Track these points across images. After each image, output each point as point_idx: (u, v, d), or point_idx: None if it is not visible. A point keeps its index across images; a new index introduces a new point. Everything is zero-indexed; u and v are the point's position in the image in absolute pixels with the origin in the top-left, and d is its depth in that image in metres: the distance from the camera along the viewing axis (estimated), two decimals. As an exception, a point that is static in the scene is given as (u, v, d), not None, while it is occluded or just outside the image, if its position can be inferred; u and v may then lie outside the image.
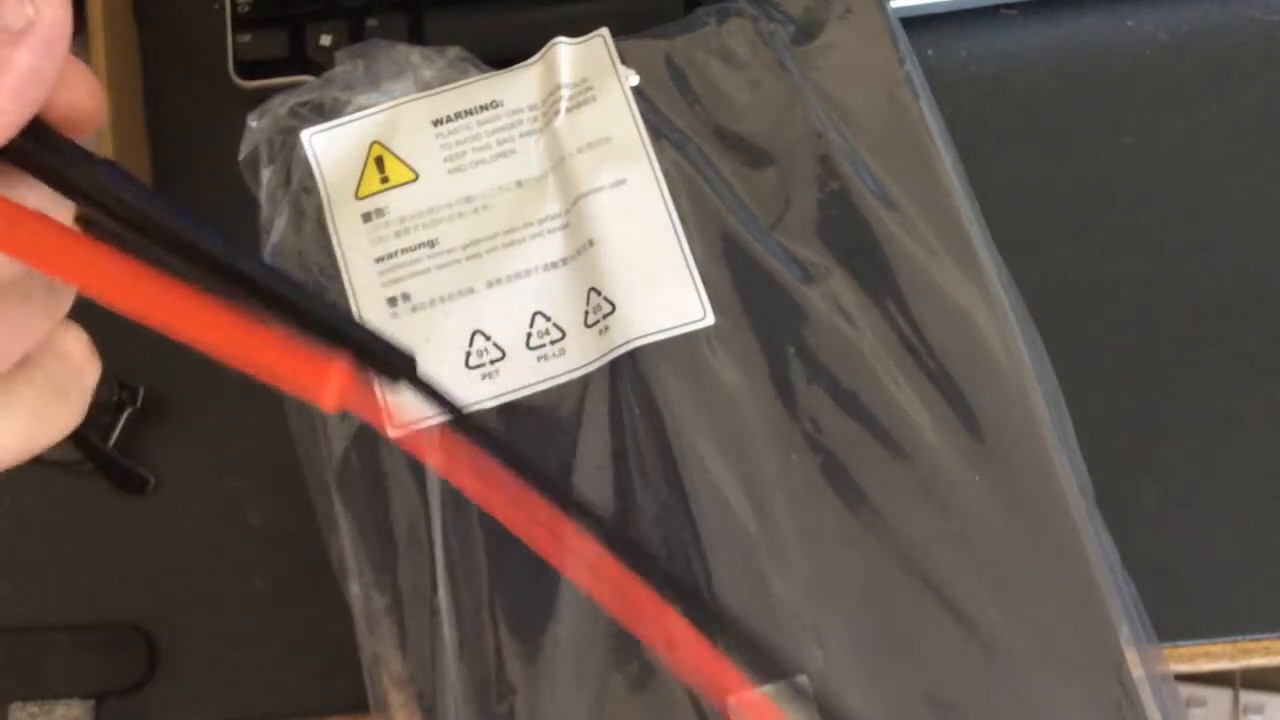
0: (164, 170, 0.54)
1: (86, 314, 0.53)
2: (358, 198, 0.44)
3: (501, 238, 0.44)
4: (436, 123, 0.45)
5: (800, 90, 0.45)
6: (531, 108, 0.45)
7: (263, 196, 0.45)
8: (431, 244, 0.44)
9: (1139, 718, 0.38)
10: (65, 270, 0.22)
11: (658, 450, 0.41)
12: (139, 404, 0.50)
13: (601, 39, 0.46)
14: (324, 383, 0.22)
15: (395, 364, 0.26)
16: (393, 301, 0.43)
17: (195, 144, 0.54)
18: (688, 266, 0.43)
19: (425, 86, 0.46)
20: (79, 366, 0.25)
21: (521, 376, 0.42)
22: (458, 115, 0.45)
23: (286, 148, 0.45)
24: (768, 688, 0.38)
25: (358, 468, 0.42)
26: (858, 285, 0.43)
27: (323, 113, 0.46)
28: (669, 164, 0.44)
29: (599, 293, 0.42)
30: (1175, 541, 0.46)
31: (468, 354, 0.42)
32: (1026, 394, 0.41)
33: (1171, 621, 0.44)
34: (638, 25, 0.47)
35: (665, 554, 0.40)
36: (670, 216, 0.43)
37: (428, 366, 0.42)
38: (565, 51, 0.45)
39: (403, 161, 0.45)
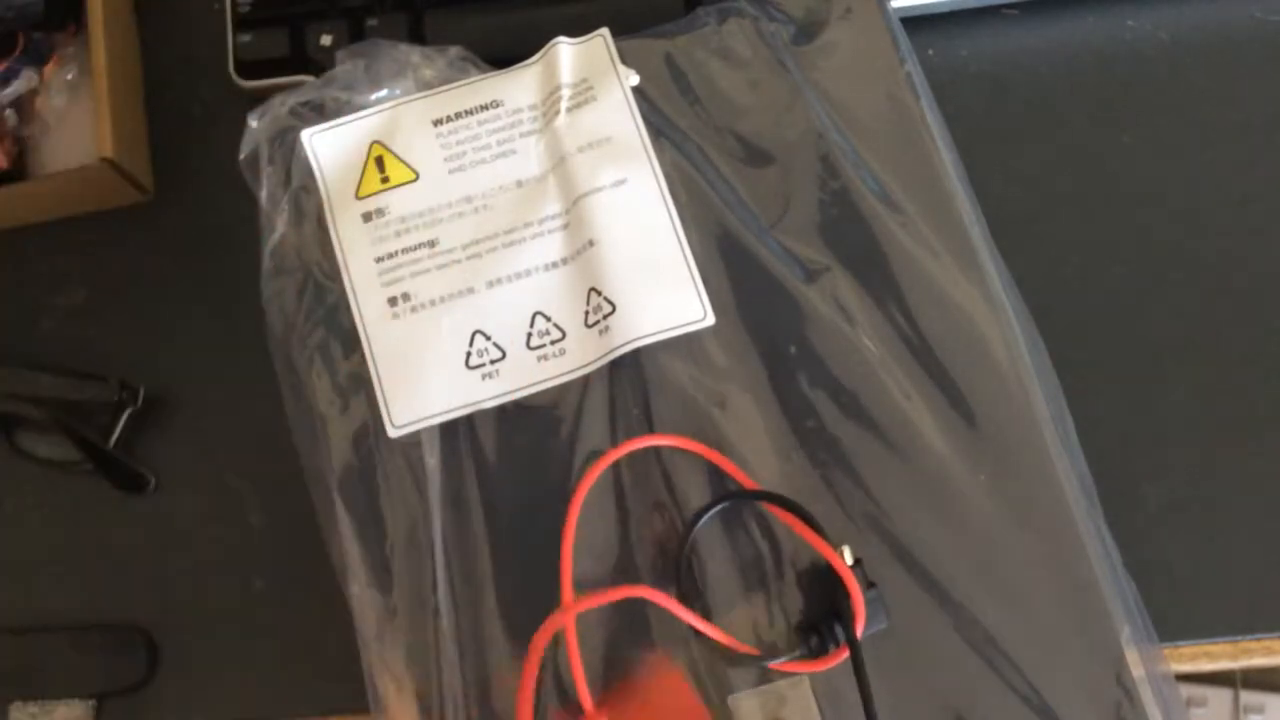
0: (164, 170, 0.54)
1: (88, 312, 0.53)
2: (358, 197, 0.44)
3: (502, 238, 0.44)
4: (437, 123, 0.45)
5: (801, 90, 0.45)
6: (532, 108, 0.45)
7: (263, 196, 0.45)
8: (432, 244, 0.44)
9: (1139, 717, 0.38)
10: None
11: (657, 450, 0.41)
12: (139, 404, 0.50)
13: (602, 39, 0.46)
14: None
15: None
16: (393, 301, 0.43)
17: (195, 144, 0.54)
18: (688, 266, 0.43)
19: (425, 86, 0.46)
20: None
21: (522, 376, 0.42)
22: (458, 115, 0.45)
23: (286, 148, 0.45)
24: (767, 687, 0.39)
25: (358, 468, 0.42)
26: (858, 285, 0.43)
27: (323, 113, 0.46)
28: (669, 164, 0.44)
29: (599, 293, 0.42)
30: (1176, 542, 0.46)
31: (468, 354, 0.42)
32: (1027, 394, 0.41)
33: (1172, 621, 0.44)
34: (638, 25, 0.47)
35: (661, 553, 0.40)
36: (670, 216, 0.43)
37: (428, 366, 0.42)
38: (565, 51, 0.45)
39: (403, 161, 0.45)
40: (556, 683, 0.39)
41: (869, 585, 0.39)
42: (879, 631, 0.39)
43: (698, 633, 0.38)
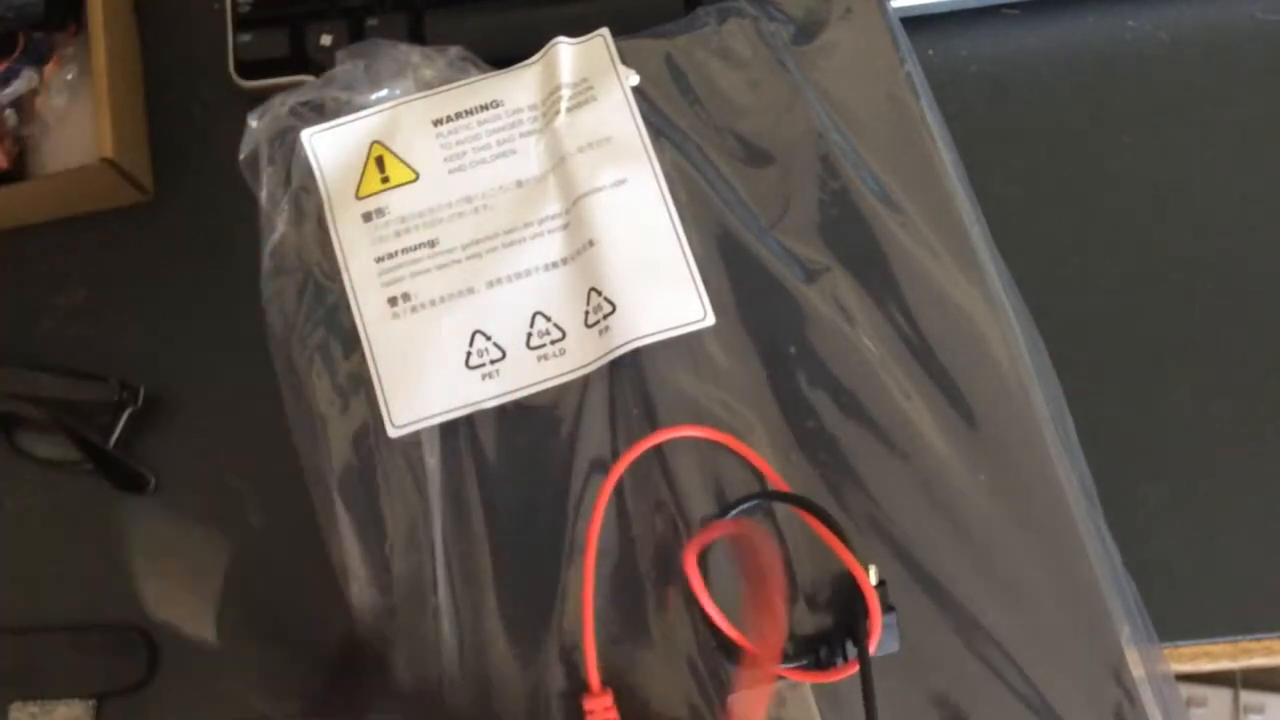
0: (164, 170, 0.54)
1: (88, 312, 0.53)
2: (358, 197, 0.44)
3: (502, 238, 0.44)
4: (437, 123, 0.45)
5: (801, 90, 0.45)
6: (532, 107, 0.45)
7: (263, 196, 0.45)
8: (432, 244, 0.44)
9: (1139, 717, 0.38)
10: None
11: (655, 451, 0.41)
12: (139, 404, 0.50)
13: (602, 39, 0.46)
14: None
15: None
16: (393, 301, 0.43)
17: (195, 144, 0.54)
18: (688, 266, 0.43)
19: (426, 86, 0.46)
20: None
21: (522, 376, 0.42)
22: (458, 115, 0.45)
23: (286, 148, 0.45)
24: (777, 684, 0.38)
25: (358, 468, 0.42)
26: (858, 285, 0.43)
27: (323, 113, 0.46)
28: (669, 164, 0.44)
29: (599, 293, 0.42)
30: (1176, 542, 0.46)
31: (468, 354, 0.42)
32: (1027, 394, 0.41)
33: (1172, 621, 0.44)
34: (638, 25, 0.47)
35: (659, 554, 0.40)
36: (670, 216, 0.43)
37: (428, 366, 0.42)
38: (565, 51, 0.45)
39: (403, 161, 0.45)
40: (565, 662, 0.39)
41: (888, 608, 0.38)
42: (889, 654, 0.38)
43: (708, 626, 0.38)
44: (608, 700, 0.38)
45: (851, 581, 0.38)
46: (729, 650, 0.38)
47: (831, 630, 0.38)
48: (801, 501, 0.40)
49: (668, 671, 0.39)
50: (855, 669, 0.37)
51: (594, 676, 0.38)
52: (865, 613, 0.37)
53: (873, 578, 0.38)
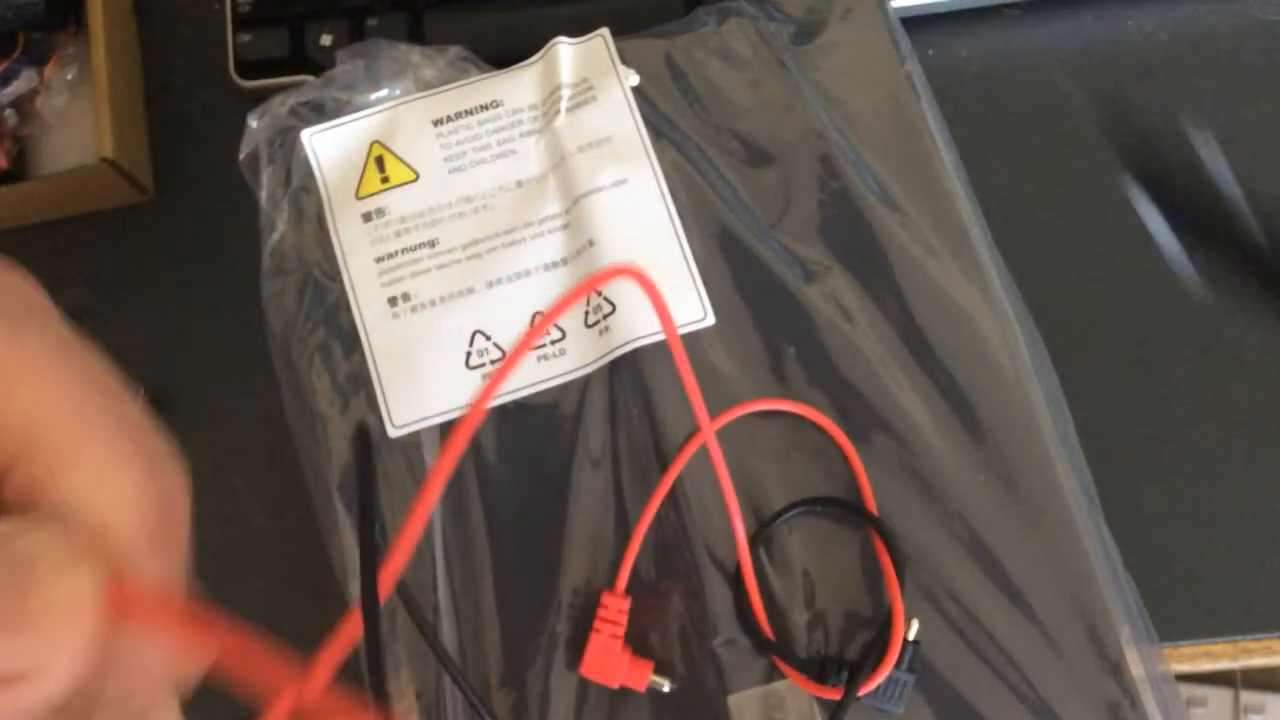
0: (164, 170, 0.54)
1: (88, 312, 0.53)
2: (358, 198, 0.44)
3: (502, 238, 0.44)
4: (437, 123, 0.45)
5: (801, 90, 0.45)
6: (532, 107, 0.45)
7: (263, 196, 0.45)
8: (432, 244, 0.44)
9: (1139, 718, 0.38)
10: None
11: (655, 451, 0.41)
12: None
13: (602, 39, 0.46)
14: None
15: None
16: (393, 301, 0.43)
17: (195, 144, 0.54)
18: (688, 266, 0.43)
19: (426, 86, 0.46)
20: None
21: (522, 376, 0.42)
22: (458, 115, 0.45)
23: (286, 148, 0.45)
24: (765, 688, 0.38)
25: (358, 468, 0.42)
26: (858, 285, 0.43)
27: (323, 112, 0.46)
28: (669, 164, 0.44)
29: (599, 293, 0.42)
30: (1176, 541, 0.46)
31: (468, 354, 0.42)
32: (1027, 394, 0.41)
33: (1172, 621, 0.44)
34: (638, 25, 0.47)
35: (659, 554, 0.40)
36: (671, 216, 0.43)
37: (428, 366, 0.42)
38: (566, 51, 0.45)
39: (403, 161, 0.45)
40: (565, 661, 0.39)
41: (909, 669, 0.38)
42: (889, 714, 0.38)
43: (742, 615, 0.38)
44: (625, 604, 0.39)
45: (889, 619, 0.38)
46: (760, 642, 0.38)
47: (840, 656, 0.38)
48: (879, 525, 0.39)
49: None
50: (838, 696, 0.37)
51: (624, 577, 0.39)
52: (877, 659, 0.37)
53: (911, 632, 0.38)
